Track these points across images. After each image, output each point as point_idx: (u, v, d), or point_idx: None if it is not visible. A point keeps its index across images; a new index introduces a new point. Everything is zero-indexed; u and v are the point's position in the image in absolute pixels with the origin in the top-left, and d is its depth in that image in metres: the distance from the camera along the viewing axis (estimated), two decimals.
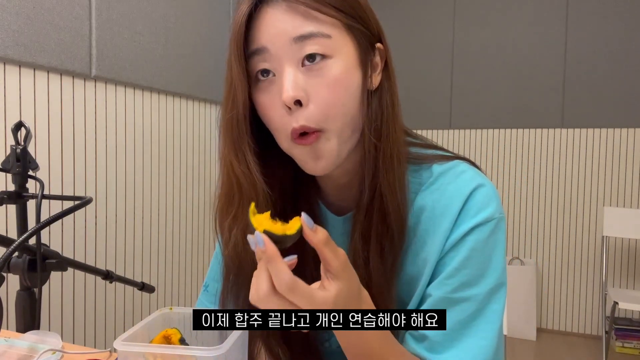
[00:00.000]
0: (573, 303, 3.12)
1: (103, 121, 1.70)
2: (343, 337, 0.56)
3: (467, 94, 3.31)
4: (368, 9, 0.60)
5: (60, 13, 1.50)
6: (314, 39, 0.55)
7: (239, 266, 0.63)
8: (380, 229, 0.61)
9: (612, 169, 3.01)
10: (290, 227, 0.49)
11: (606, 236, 2.81)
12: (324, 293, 0.48)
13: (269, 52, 0.56)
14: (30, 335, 0.77)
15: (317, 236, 0.48)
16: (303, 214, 0.48)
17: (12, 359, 0.69)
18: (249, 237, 0.48)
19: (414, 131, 0.70)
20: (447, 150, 0.69)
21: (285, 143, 0.59)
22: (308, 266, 0.62)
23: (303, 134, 0.56)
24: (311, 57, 0.55)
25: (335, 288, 0.49)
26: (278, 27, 0.55)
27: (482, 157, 3.28)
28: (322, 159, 0.58)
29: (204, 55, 2.22)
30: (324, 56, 0.55)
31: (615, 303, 2.47)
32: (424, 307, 0.61)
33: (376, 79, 0.61)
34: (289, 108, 0.55)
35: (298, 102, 0.55)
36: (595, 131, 3.04)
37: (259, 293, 0.48)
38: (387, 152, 0.59)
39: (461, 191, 0.61)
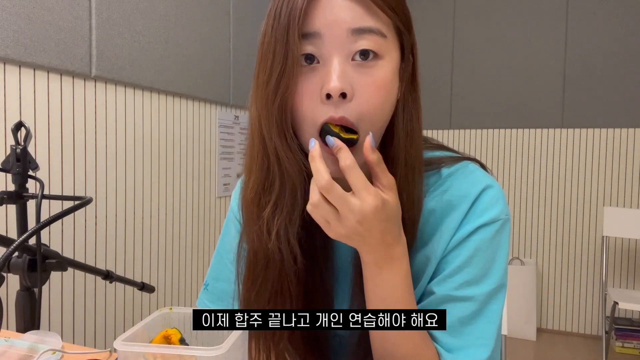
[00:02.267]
0: (573, 303, 3.12)
1: (103, 121, 1.70)
2: (378, 337, 0.57)
3: (467, 94, 3.31)
4: (411, 18, 0.58)
5: (60, 13, 1.50)
6: (371, 35, 0.52)
7: (274, 259, 0.60)
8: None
9: (612, 169, 3.00)
10: (351, 136, 0.53)
11: (606, 236, 2.81)
12: (359, 202, 0.50)
13: (321, 39, 0.52)
14: (30, 335, 0.77)
15: (373, 155, 0.52)
16: (370, 134, 0.52)
17: (12, 359, 0.69)
18: (311, 139, 0.53)
19: None
20: (454, 151, 0.70)
21: (311, 133, 0.55)
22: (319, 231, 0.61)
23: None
24: (364, 54, 0.53)
25: (379, 199, 0.51)
26: (337, 15, 0.52)
27: (482, 157, 3.28)
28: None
29: (204, 55, 2.21)
30: (376, 55, 0.53)
31: (615, 303, 2.47)
32: (425, 303, 0.61)
33: (400, 89, 0.58)
34: (328, 98, 0.52)
35: (342, 95, 0.52)
36: (595, 131, 3.04)
37: (316, 184, 0.51)
38: (409, 161, 0.59)
39: (469, 191, 0.62)
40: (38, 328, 0.92)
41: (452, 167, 0.65)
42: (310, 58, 0.53)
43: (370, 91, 0.53)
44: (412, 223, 0.61)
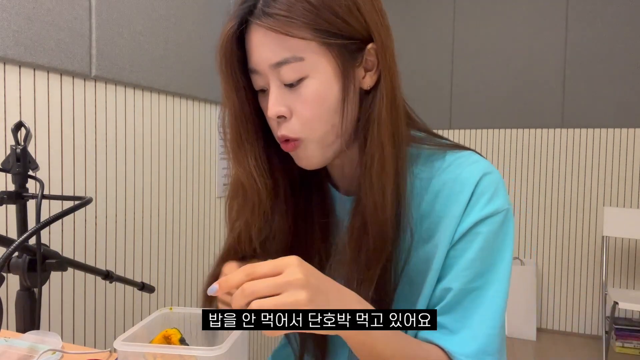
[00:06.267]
0: (573, 303, 3.12)
1: (103, 121, 1.70)
2: (350, 339, 0.57)
3: (467, 94, 3.31)
4: (350, 14, 0.58)
5: (60, 13, 1.50)
6: (288, 65, 0.58)
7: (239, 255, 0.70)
8: (372, 220, 0.63)
9: (612, 169, 3.00)
10: None
11: (606, 236, 2.81)
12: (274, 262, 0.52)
13: (258, 73, 0.61)
14: (30, 335, 0.77)
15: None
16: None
17: (12, 359, 0.69)
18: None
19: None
20: (456, 143, 0.72)
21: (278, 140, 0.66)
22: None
23: (286, 141, 0.63)
24: (289, 83, 0.60)
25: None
26: (260, 52, 0.60)
27: None
28: (303, 161, 0.64)
29: (204, 55, 2.21)
30: (300, 78, 0.59)
31: (615, 303, 2.48)
32: (448, 301, 0.63)
33: (372, 78, 0.62)
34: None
35: (282, 117, 0.61)
36: (595, 131, 3.04)
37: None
38: (379, 148, 0.61)
39: (471, 179, 0.64)
40: (38, 328, 0.92)
41: (457, 153, 0.68)
42: (263, 87, 0.63)
43: (302, 107, 0.60)
44: (383, 211, 0.62)
